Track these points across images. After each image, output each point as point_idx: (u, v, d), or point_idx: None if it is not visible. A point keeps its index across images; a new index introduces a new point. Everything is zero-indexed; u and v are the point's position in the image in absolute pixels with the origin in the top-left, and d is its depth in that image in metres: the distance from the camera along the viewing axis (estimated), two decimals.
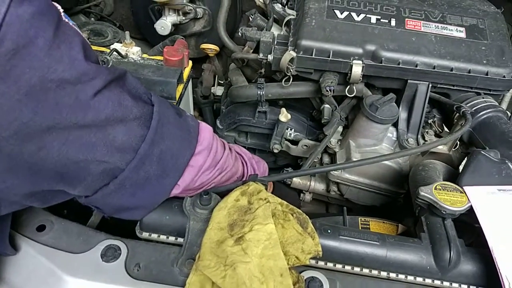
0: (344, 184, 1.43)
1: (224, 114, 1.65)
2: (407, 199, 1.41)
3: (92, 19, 1.79)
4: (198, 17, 1.75)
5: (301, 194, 1.54)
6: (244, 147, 1.69)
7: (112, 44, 1.59)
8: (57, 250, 1.01)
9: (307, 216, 1.09)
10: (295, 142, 1.53)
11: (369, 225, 1.29)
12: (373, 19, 1.40)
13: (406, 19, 1.40)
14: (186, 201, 1.08)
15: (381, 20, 1.40)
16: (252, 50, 1.58)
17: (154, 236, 1.09)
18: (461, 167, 1.39)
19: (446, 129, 1.46)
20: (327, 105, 1.49)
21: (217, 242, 1.01)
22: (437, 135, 1.43)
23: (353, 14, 1.40)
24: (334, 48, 1.34)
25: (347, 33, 1.37)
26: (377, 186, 1.42)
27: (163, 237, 1.09)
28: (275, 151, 1.54)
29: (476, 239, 1.12)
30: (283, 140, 1.53)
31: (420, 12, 1.43)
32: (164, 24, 1.64)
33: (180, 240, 1.08)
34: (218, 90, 1.78)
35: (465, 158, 1.41)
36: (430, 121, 1.43)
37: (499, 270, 0.98)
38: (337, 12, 1.41)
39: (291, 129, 1.52)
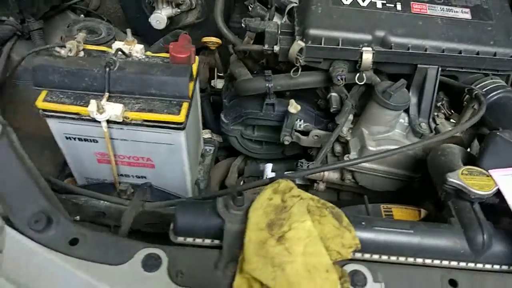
0: (359, 172, 1.43)
1: (228, 108, 1.62)
2: (423, 183, 1.43)
3: (82, 15, 1.71)
4: (192, 7, 1.70)
5: (315, 184, 1.53)
6: (251, 140, 1.68)
7: (108, 41, 1.53)
8: (95, 263, 0.97)
9: (340, 210, 1.09)
10: (305, 133, 1.52)
11: (391, 212, 1.30)
12: (379, 3, 1.39)
13: (412, 2, 1.40)
14: (218, 203, 1.06)
15: (387, 4, 1.39)
16: (252, 41, 1.55)
17: (189, 240, 1.06)
18: (474, 149, 1.42)
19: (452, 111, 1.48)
20: (334, 94, 1.49)
21: (259, 243, 0.99)
22: (447, 118, 1.45)
23: None
24: (343, 35, 1.33)
25: (354, 19, 1.36)
26: (392, 172, 1.43)
27: (198, 241, 1.07)
28: (286, 143, 1.53)
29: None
30: (293, 131, 1.51)
31: None
32: (160, 18, 1.59)
33: (216, 242, 1.06)
34: (219, 83, 1.74)
35: (474, 138, 1.44)
36: (439, 104, 1.45)
37: None
38: None
39: (300, 120, 1.51)
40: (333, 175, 1.50)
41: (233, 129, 1.63)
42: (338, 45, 1.33)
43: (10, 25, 1.48)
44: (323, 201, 1.10)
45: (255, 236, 1.01)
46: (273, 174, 1.55)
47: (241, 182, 1.73)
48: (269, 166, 1.53)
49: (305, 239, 1.00)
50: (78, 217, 1.38)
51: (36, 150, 1.52)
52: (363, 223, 1.09)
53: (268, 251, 0.97)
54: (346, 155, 1.41)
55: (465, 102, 1.38)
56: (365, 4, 1.39)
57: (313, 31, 1.33)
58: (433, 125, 1.41)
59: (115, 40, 1.55)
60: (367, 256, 1.07)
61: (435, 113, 1.44)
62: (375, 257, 1.07)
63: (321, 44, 1.34)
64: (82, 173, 1.45)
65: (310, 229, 1.02)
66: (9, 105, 1.51)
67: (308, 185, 1.59)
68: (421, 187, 1.43)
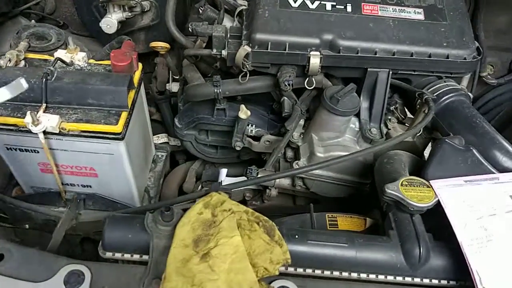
0: (309, 179, 1.40)
1: (182, 113, 1.59)
2: (373, 189, 1.40)
3: (33, 21, 1.68)
4: (145, 10, 1.66)
5: (267, 190, 1.50)
6: (206, 144, 1.65)
7: (58, 47, 1.50)
8: (18, 280, 0.95)
9: (273, 223, 1.06)
10: (257, 138, 1.49)
11: (337, 221, 1.27)
12: (328, 5, 1.35)
13: (363, 3, 1.36)
14: (147, 218, 1.04)
15: (337, 6, 1.35)
16: (205, 44, 1.51)
17: (118, 255, 1.04)
18: (425, 153, 1.38)
19: (409, 114, 1.44)
20: (287, 98, 1.45)
21: (183, 260, 0.97)
22: (400, 122, 1.41)
23: (307, 2, 1.35)
24: (290, 40, 1.30)
25: (302, 22, 1.32)
26: (342, 178, 1.40)
27: (127, 256, 1.04)
28: (238, 148, 1.49)
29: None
30: (244, 137, 1.48)
31: None
32: (110, 22, 1.55)
33: (145, 257, 1.03)
34: (174, 87, 1.70)
35: (429, 144, 1.40)
36: (392, 108, 1.41)
37: (469, 265, 0.98)
38: (291, 0, 1.35)
39: (252, 125, 1.47)
40: (285, 181, 1.47)
41: (187, 133, 1.59)
42: (285, 50, 1.30)
43: None
44: (257, 214, 1.08)
45: (179, 253, 0.98)
46: (228, 179, 1.52)
47: (199, 187, 1.71)
48: (224, 171, 1.49)
49: (231, 255, 0.98)
50: (27, 225, 1.37)
51: None
52: (296, 236, 1.06)
53: (191, 269, 0.95)
54: (296, 161, 1.38)
55: (417, 106, 1.34)
56: (314, 6, 1.35)
57: (259, 36, 1.30)
58: (384, 130, 1.37)
59: (67, 45, 1.52)
60: (300, 270, 1.05)
61: (388, 117, 1.41)
62: (308, 271, 1.05)
63: (267, 49, 1.30)
64: (28, 182, 1.42)
65: (238, 244, 0.99)
66: None
67: (261, 191, 1.57)
68: (371, 194, 1.40)
